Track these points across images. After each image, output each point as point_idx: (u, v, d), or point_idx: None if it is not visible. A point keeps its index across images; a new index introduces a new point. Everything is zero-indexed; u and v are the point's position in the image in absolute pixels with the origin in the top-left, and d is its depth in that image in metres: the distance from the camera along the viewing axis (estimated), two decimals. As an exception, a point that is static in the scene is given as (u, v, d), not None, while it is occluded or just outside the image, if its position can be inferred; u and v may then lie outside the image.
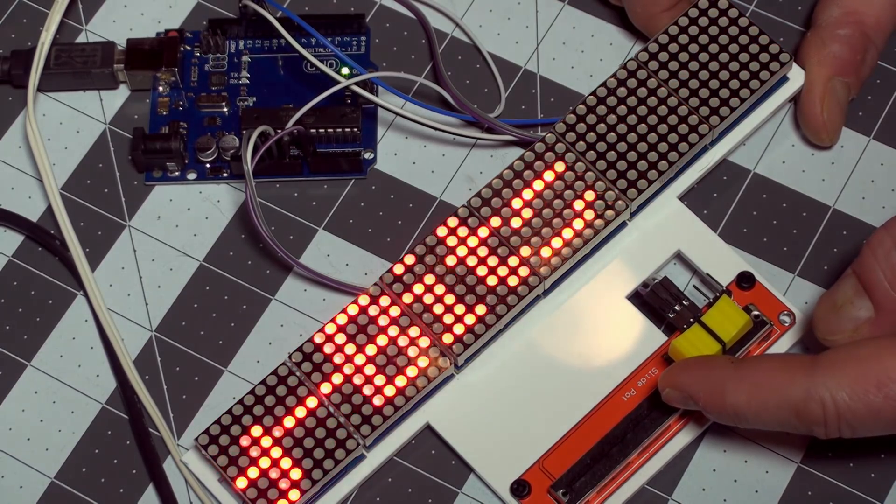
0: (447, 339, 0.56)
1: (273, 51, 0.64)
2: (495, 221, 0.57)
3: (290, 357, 0.56)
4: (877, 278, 0.53)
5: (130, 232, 0.61)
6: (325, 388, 0.55)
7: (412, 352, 0.56)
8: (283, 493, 0.54)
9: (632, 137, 0.58)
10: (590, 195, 0.58)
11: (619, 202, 0.57)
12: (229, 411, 0.55)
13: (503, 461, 0.56)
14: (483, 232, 0.57)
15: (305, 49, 0.60)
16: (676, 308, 0.57)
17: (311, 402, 0.55)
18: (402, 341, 0.56)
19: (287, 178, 0.62)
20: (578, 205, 0.57)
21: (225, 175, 0.62)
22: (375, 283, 0.57)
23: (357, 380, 0.55)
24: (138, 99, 0.63)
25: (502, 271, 0.57)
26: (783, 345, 0.57)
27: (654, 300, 0.57)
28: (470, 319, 0.56)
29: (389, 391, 0.55)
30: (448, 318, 0.56)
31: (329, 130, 0.61)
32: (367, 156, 0.62)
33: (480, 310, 0.56)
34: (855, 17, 0.60)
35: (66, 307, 0.60)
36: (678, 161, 0.58)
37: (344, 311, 0.56)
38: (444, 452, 0.57)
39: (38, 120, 0.63)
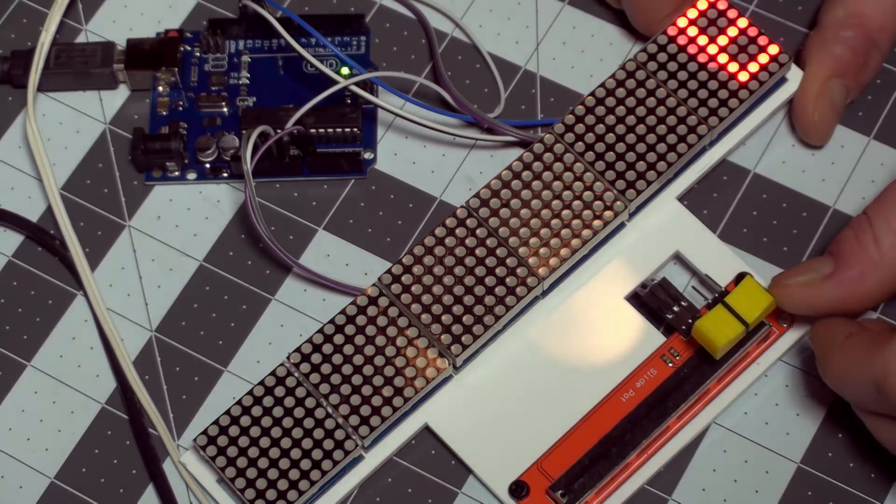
0: (445, 339, 0.56)
1: (273, 51, 0.64)
2: (494, 222, 0.57)
3: (288, 358, 0.56)
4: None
5: (130, 232, 0.61)
6: (324, 389, 0.55)
7: (410, 353, 0.56)
8: (282, 494, 0.54)
9: (630, 138, 0.58)
10: (588, 196, 0.57)
11: (618, 203, 0.57)
12: (227, 412, 0.55)
13: (502, 462, 0.56)
14: (481, 233, 0.57)
15: (305, 49, 0.60)
16: (675, 309, 0.57)
17: (310, 402, 0.55)
18: (401, 342, 0.56)
19: (287, 178, 0.62)
20: (577, 206, 0.57)
21: (225, 175, 0.62)
22: (374, 284, 0.57)
23: (355, 381, 0.55)
24: (138, 99, 0.63)
25: (501, 272, 0.57)
26: (781, 347, 0.57)
27: (653, 301, 0.57)
28: (468, 320, 0.56)
29: (388, 392, 0.55)
30: (446, 319, 0.56)
31: (329, 130, 0.61)
32: (367, 156, 0.62)
33: (479, 311, 0.56)
34: (859, 19, 0.59)
35: (66, 307, 0.60)
36: (677, 162, 0.58)
37: (342, 311, 0.56)
38: (444, 452, 0.57)
39: (38, 120, 0.63)
